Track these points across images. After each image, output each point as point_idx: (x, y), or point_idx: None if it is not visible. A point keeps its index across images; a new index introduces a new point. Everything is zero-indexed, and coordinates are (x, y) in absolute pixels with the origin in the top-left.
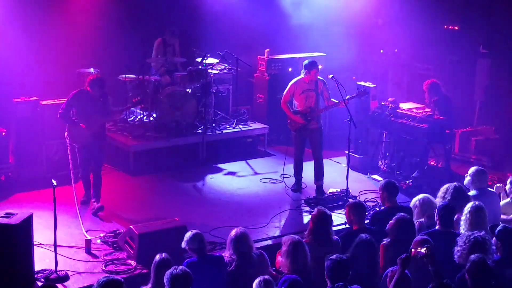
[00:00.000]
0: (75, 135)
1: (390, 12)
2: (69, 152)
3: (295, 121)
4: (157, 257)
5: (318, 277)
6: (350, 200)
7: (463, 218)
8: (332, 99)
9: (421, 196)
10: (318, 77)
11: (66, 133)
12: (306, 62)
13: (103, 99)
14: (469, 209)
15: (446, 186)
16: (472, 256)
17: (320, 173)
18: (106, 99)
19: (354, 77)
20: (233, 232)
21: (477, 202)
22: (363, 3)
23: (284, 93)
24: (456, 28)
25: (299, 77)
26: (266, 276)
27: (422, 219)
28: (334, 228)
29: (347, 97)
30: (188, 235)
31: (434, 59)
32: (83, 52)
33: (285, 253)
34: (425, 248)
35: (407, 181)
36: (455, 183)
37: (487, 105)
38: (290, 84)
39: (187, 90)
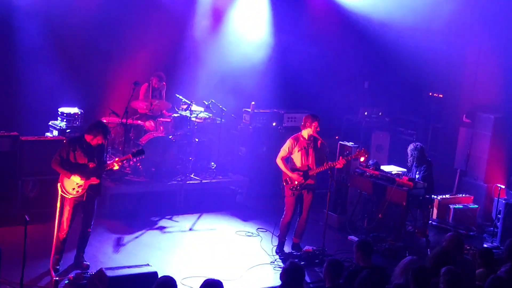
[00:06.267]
0: (68, 185)
1: (376, 76)
2: (58, 202)
3: (292, 179)
4: None
5: None
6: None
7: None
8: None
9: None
10: (316, 135)
11: (59, 183)
12: (307, 115)
13: (100, 148)
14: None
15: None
16: None
17: (302, 232)
18: (103, 148)
19: (337, 137)
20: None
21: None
22: (350, 64)
23: (282, 149)
24: (441, 96)
25: (298, 133)
26: None
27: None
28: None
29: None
30: (158, 279)
31: (417, 125)
32: None
33: None
34: None
35: (384, 244)
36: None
37: (467, 174)
38: (289, 140)
39: (170, 136)
